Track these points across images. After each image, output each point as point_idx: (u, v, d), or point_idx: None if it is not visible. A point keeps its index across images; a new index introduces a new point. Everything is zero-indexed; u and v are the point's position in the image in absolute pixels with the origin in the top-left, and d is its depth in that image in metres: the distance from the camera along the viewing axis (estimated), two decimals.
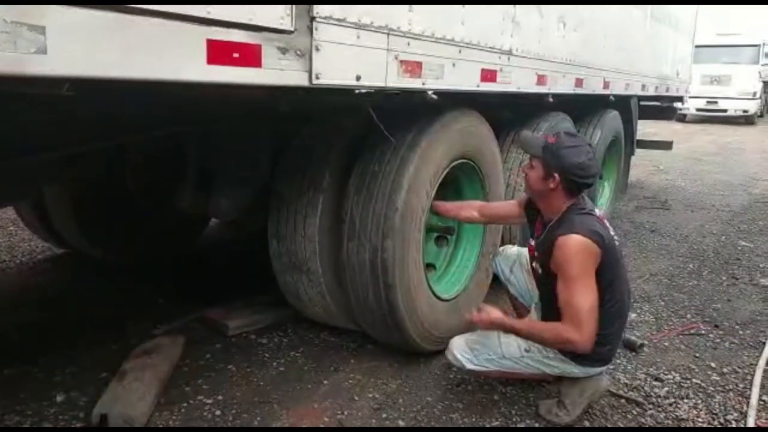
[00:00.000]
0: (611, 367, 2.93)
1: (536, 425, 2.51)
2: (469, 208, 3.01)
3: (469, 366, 2.54)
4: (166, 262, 4.20)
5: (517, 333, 2.44)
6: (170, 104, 2.24)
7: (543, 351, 2.43)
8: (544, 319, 2.57)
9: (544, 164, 2.39)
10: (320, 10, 1.83)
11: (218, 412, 2.52)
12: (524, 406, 2.64)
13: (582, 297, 2.26)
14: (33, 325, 3.28)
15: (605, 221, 2.47)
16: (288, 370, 2.88)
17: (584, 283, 2.27)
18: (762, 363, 3.07)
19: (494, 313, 2.46)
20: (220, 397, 2.62)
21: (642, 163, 9.62)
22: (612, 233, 2.43)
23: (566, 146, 2.38)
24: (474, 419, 2.54)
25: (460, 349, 2.55)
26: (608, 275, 2.36)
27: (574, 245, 2.27)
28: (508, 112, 3.93)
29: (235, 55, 1.59)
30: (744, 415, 2.63)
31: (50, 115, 2.03)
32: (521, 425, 2.51)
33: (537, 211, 2.57)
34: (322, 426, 2.46)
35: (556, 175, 2.36)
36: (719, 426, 2.56)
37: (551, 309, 2.45)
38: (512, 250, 3.01)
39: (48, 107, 1.85)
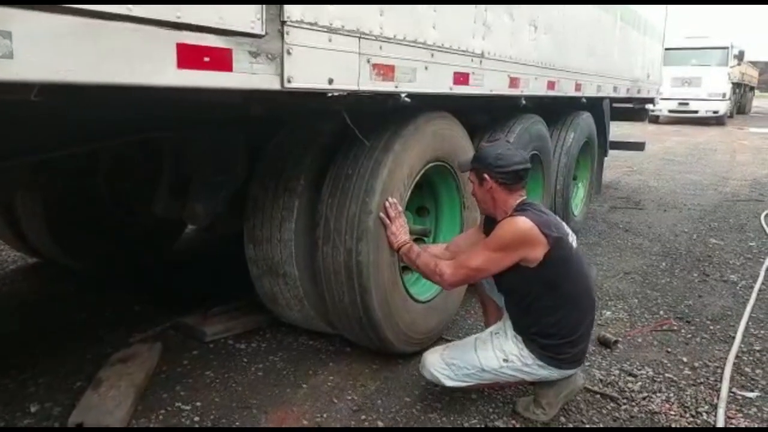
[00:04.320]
0: (587, 364, 2.98)
1: (513, 423, 2.54)
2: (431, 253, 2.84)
3: (449, 383, 2.52)
4: (141, 269, 4.16)
5: (410, 254, 2.63)
6: (142, 109, 2.23)
7: (521, 359, 2.43)
8: (510, 313, 2.55)
9: (475, 172, 2.49)
10: (291, 14, 1.84)
11: (196, 418, 2.51)
12: (501, 404, 2.67)
13: (480, 257, 2.37)
14: (5, 336, 3.23)
15: (560, 222, 2.49)
16: (266, 375, 2.87)
17: (495, 254, 2.33)
18: (732, 357, 3.15)
19: (402, 237, 2.67)
20: (198, 403, 2.61)
21: (616, 164, 9.78)
22: (567, 231, 2.44)
23: (484, 148, 2.53)
24: (452, 418, 2.56)
25: (437, 366, 2.53)
26: (558, 270, 2.35)
27: (516, 222, 2.32)
28: (482, 115, 3.97)
29: (206, 59, 1.59)
30: (714, 408, 2.68)
31: (18, 120, 2.02)
32: (499, 423, 2.54)
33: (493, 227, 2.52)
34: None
35: (485, 175, 2.42)
36: (691, 419, 2.61)
37: (511, 303, 2.52)
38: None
39: (17, 113, 1.84)
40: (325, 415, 2.55)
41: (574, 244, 2.47)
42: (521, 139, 4.05)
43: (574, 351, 2.44)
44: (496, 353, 2.46)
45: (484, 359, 2.47)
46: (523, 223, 2.30)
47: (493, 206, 2.47)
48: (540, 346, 2.41)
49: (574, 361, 2.48)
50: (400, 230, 2.69)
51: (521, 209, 2.39)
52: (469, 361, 2.48)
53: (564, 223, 2.50)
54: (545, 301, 2.39)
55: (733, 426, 2.57)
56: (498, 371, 2.46)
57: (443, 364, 2.52)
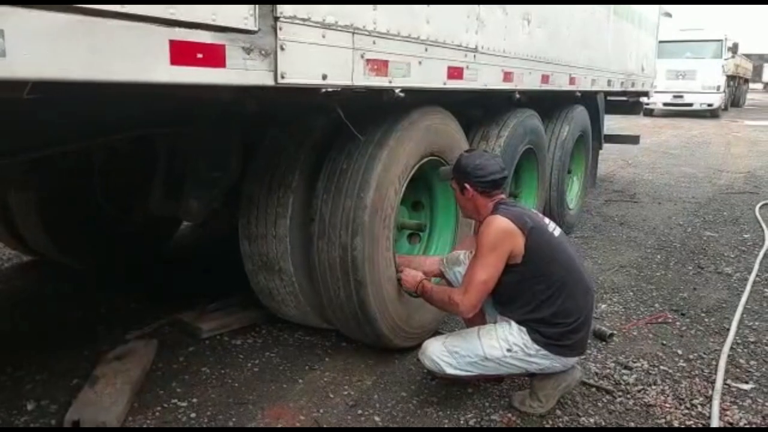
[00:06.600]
0: (582, 357, 2.98)
1: (510, 416, 2.55)
2: (432, 262, 2.99)
3: (450, 371, 2.51)
4: (136, 267, 4.15)
5: (425, 292, 2.68)
6: (137, 107, 2.22)
7: (525, 349, 2.44)
8: (513, 316, 2.53)
9: (456, 182, 2.61)
10: (284, 10, 1.83)
11: (193, 414, 2.51)
12: (498, 398, 2.68)
13: (479, 270, 2.41)
14: (1, 334, 3.23)
15: (538, 214, 2.61)
16: (263, 371, 2.88)
17: (487, 259, 2.41)
18: (726, 349, 3.16)
19: (419, 275, 2.77)
20: (194, 400, 2.61)
21: (610, 158, 9.80)
22: (546, 222, 2.55)
23: (463, 157, 2.62)
24: (449, 412, 2.57)
25: (439, 354, 2.52)
26: (543, 258, 2.43)
27: (492, 223, 2.44)
28: (476, 109, 3.97)
29: (199, 55, 1.58)
30: (709, 400, 2.70)
31: (11, 119, 2.01)
32: (495, 416, 2.55)
33: None
34: (298, 425, 2.47)
35: (466, 185, 2.54)
36: (686, 411, 2.63)
37: (514, 308, 2.51)
38: (455, 254, 2.91)
39: (9, 111, 1.83)
40: (321, 411, 2.56)
41: (556, 232, 2.55)
42: (516, 133, 4.05)
43: (576, 337, 2.46)
44: (500, 342, 2.46)
45: (488, 348, 2.47)
46: (499, 220, 2.43)
47: (474, 211, 2.60)
48: (543, 335, 2.42)
49: (576, 348, 2.50)
50: (409, 275, 2.78)
51: (495, 209, 2.50)
52: (473, 349, 2.48)
53: (540, 215, 2.60)
54: (541, 295, 2.42)
55: (728, 419, 2.58)
56: (501, 360, 2.46)
57: (445, 351, 2.51)
